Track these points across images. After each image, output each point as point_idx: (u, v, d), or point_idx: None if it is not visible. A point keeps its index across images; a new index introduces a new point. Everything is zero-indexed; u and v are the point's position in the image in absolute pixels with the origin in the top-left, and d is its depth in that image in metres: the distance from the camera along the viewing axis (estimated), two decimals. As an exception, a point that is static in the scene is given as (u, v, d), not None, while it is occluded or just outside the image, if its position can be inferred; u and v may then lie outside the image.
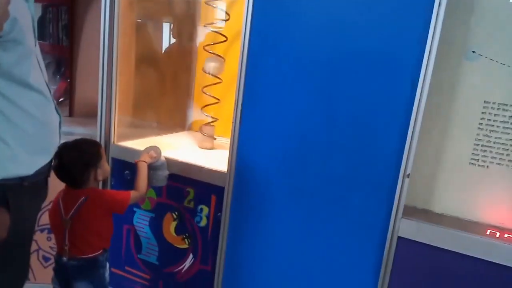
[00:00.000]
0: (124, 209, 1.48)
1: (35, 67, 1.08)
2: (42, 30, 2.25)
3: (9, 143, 1.04)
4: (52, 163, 1.24)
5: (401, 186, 1.36)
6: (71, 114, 2.35)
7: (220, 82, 1.96)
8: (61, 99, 2.39)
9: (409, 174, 1.35)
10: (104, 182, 1.86)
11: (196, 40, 2.25)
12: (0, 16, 0.55)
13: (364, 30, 1.37)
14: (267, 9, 1.48)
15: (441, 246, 1.33)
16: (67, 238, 1.43)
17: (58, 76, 2.37)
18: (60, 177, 1.38)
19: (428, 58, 1.28)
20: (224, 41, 1.93)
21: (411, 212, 1.42)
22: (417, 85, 1.31)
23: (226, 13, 1.95)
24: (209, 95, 1.97)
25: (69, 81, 2.34)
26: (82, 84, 2.37)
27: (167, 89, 2.24)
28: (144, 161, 1.57)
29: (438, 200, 1.48)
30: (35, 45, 1.11)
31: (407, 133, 1.34)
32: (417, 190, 1.47)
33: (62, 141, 1.31)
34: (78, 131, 1.99)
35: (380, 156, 1.40)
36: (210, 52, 1.95)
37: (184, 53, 2.26)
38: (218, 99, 1.98)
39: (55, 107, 1.21)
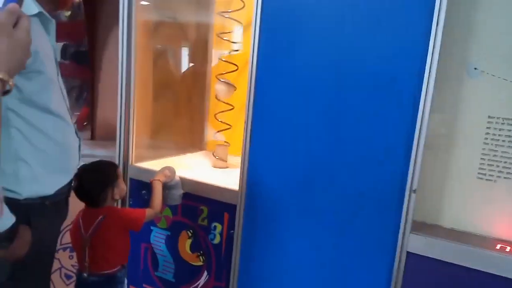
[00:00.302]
0: (140, 226, 1.55)
1: (56, 94, 1.18)
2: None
3: (31, 165, 1.13)
4: (72, 184, 1.32)
5: (408, 201, 1.38)
6: (92, 137, 2.47)
7: (232, 109, 2.04)
8: (85, 123, 2.51)
9: (415, 189, 1.37)
10: (123, 202, 1.94)
11: (210, 64, 2.34)
12: (24, 57, 0.62)
13: (366, 51, 1.42)
14: (274, 34, 1.55)
15: (451, 261, 1.33)
16: (87, 255, 1.50)
17: (81, 101, 2.50)
18: (80, 197, 1.46)
19: (428, 76, 1.32)
20: (235, 70, 2.01)
21: (420, 227, 1.43)
22: (419, 103, 1.34)
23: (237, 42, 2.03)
24: (221, 122, 2.04)
25: (90, 106, 2.47)
26: (103, 109, 2.49)
27: (182, 111, 2.33)
28: (159, 180, 1.64)
29: (447, 215, 1.48)
30: (58, 75, 1.21)
31: (411, 150, 1.36)
32: (425, 206, 1.48)
33: (82, 163, 1.40)
34: (99, 153, 2.09)
35: (387, 173, 1.42)
36: (221, 81, 2.04)
37: (198, 77, 2.35)
38: (230, 125, 2.05)
39: (75, 131, 1.30)
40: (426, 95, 1.33)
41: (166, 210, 1.88)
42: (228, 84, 2.03)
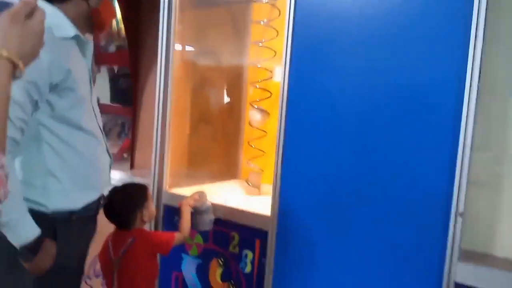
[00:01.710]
0: (169, 250, 1.51)
1: (88, 112, 1.22)
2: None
3: (60, 179, 1.15)
4: (101, 202, 1.33)
5: (454, 225, 1.26)
6: (132, 167, 2.53)
7: (265, 135, 2.02)
8: (125, 154, 2.59)
9: (462, 212, 1.25)
10: (156, 228, 1.94)
11: (245, 94, 2.37)
12: (37, 45, 0.64)
13: (398, 71, 1.37)
14: (304, 58, 1.54)
15: (504, 293, 1.18)
16: (116, 279, 1.48)
17: (123, 136, 2.60)
18: (109, 218, 1.47)
19: (469, 92, 1.23)
20: (269, 97, 2.01)
21: (469, 256, 1.29)
22: (460, 117, 1.25)
23: (270, 71, 2.05)
24: (255, 148, 2.03)
25: (131, 138, 2.55)
26: (143, 141, 2.57)
27: (218, 141, 2.34)
28: (188, 204, 1.62)
29: (500, 243, 1.33)
30: (91, 94, 1.26)
31: (455, 169, 1.26)
32: (474, 233, 1.35)
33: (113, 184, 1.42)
34: (137, 180, 2.12)
35: (429, 195, 1.32)
36: (255, 107, 2.04)
37: (233, 107, 2.38)
38: (263, 151, 2.02)
39: (107, 149, 1.33)
40: (468, 110, 1.24)
41: (198, 237, 1.85)
42: (261, 110, 2.03)
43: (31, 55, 0.63)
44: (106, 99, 2.52)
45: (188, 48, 2.10)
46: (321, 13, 1.50)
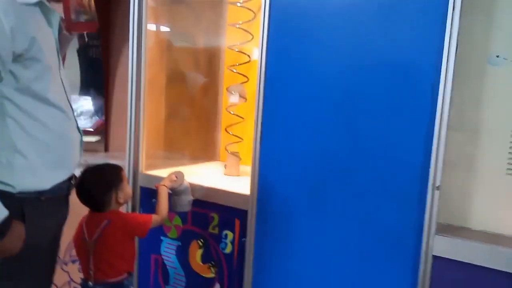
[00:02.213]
0: (146, 232, 1.48)
1: (55, 84, 1.15)
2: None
3: (27, 156, 1.09)
4: (73, 182, 1.27)
5: (432, 199, 1.27)
6: (106, 149, 2.46)
7: (245, 101, 1.98)
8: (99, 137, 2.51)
9: (438, 186, 1.27)
10: (133, 211, 1.89)
11: (221, 78, 2.32)
12: None
13: (379, 42, 1.36)
14: (281, 31, 1.51)
15: (480, 264, 1.20)
16: (92, 262, 1.44)
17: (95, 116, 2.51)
18: (82, 199, 1.41)
19: (447, 65, 1.24)
20: (246, 82, 1.97)
21: (446, 229, 1.31)
22: (437, 93, 1.25)
23: (247, 55, 2.00)
24: (234, 114, 1.98)
25: (104, 119, 2.47)
26: (116, 122, 2.49)
27: (195, 122, 2.29)
28: (164, 185, 1.58)
29: (475, 216, 1.36)
30: (59, 67, 1.19)
31: (431, 144, 1.27)
32: (451, 207, 1.37)
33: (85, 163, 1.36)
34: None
35: (406, 169, 1.33)
36: (235, 72, 1.99)
37: (210, 90, 2.33)
38: (242, 117, 1.98)
39: (77, 125, 1.26)
40: (445, 84, 1.25)
41: (176, 219, 1.81)
42: (239, 86, 1.98)
43: None
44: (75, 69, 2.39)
45: (161, 26, 2.02)
46: (299, -15, 1.46)
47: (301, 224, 1.51)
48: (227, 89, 2.05)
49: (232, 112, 2.00)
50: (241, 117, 1.99)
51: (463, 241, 1.25)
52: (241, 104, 2.00)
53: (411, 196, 1.31)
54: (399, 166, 1.33)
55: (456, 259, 1.25)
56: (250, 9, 1.91)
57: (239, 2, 1.96)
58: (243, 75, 1.97)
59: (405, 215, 1.32)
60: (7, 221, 1.02)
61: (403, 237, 1.32)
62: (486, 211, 1.34)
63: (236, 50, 2.00)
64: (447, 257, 1.26)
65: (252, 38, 1.89)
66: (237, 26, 1.97)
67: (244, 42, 1.95)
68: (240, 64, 1.98)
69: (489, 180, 1.33)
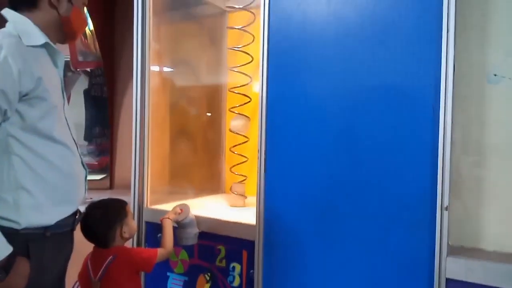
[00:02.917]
0: (151, 267, 1.45)
1: (60, 122, 1.17)
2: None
3: (32, 193, 1.09)
4: (78, 217, 1.27)
5: (441, 220, 1.25)
6: (111, 186, 2.46)
7: (247, 141, 2.00)
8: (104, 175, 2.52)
9: (447, 206, 1.25)
10: (138, 246, 1.87)
11: (224, 103, 2.35)
12: None
13: (376, 68, 1.37)
14: (280, 66, 1.54)
15: (495, 285, 1.16)
16: (97, 302, 1.41)
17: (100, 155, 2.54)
18: (87, 235, 1.40)
19: (445, 86, 1.25)
20: (249, 102, 2.00)
21: (458, 251, 1.28)
22: (439, 114, 1.26)
23: (249, 76, 2.04)
24: (238, 154, 2.00)
25: (109, 157, 2.49)
26: (121, 159, 2.51)
27: (199, 155, 2.31)
28: (168, 218, 1.57)
29: (487, 237, 1.32)
30: (64, 105, 1.22)
31: (437, 164, 1.26)
32: (462, 229, 1.34)
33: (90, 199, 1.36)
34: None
35: (413, 191, 1.31)
36: (236, 113, 2.03)
37: (213, 119, 2.36)
38: (246, 157, 2.00)
39: (82, 161, 1.27)
40: (445, 105, 1.25)
41: (183, 254, 1.79)
42: (242, 116, 2.01)
43: None
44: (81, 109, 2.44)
45: (164, 61, 2.08)
46: (295, 15, 1.50)
47: (309, 252, 1.48)
48: (229, 129, 2.07)
49: (235, 152, 2.02)
50: (245, 157, 2.02)
51: (476, 262, 1.21)
52: (245, 144, 2.02)
53: (420, 218, 1.29)
54: (406, 188, 1.32)
55: (470, 281, 1.21)
56: (248, 53, 1.96)
57: (238, 27, 2.02)
58: (244, 115, 2.01)
59: (415, 237, 1.29)
60: (11, 258, 1.01)
61: (415, 260, 1.29)
62: (498, 230, 1.31)
63: (236, 92, 2.04)
64: (460, 279, 1.22)
65: (251, 80, 1.95)
66: (237, 49, 2.02)
67: (244, 64, 1.99)
68: (241, 105, 2.01)
69: (499, 199, 1.31)
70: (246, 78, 1.99)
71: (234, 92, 2.07)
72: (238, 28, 2.02)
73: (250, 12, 1.96)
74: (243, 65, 1.99)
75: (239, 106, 2.02)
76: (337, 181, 1.44)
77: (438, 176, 1.25)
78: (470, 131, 1.35)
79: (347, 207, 1.41)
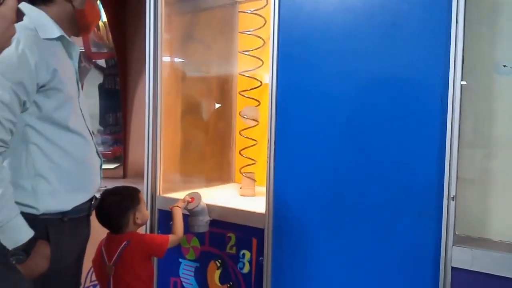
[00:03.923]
0: (164, 252, 1.50)
1: (75, 113, 1.21)
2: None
3: (49, 180, 1.14)
4: (93, 203, 1.31)
5: (447, 210, 1.27)
6: (124, 176, 2.52)
7: (257, 124, 2.02)
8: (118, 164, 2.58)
9: (454, 196, 1.26)
10: (151, 232, 1.92)
11: (234, 104, 2.38)
12: (7, 31, 0.62)
13: (385, 60, 1.39)
14: (292, 52, 1.55)
15: (500, 274, 1.18)
16: (112, 286, 1.46)
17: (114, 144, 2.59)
18: (101, 221, 1.45)
19: (454, 78, 1.25)
20: (258, 105, 2.03)
21: (464, 241, 1.30)
22: (447, 105, 1.27)
23: (259, 80, 2.06)
24: (247, 138, 2.02)
25: (123, 146, 2.54)
26: (134, 150, 2.56)
27: (210, 146, 2.35)
28: (178, 206, 1.62)
29: (493, 227, 1.34)
30: (78, 96, 1.26)
31: (445, 154, 1.27)
32: (468, 219, 1.36)
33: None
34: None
35: (421, 180, 1.33)
36: (246, 97, 2.05)
37: (224, 115, 2.39)
38: (256, 140, 2.02)
39: (97, 151, 1.32)
40: (453, 96, 1.26)
41: (194, 241, 1.83)
42: (253, 107, 2.03)
43: (1, 43, 0.62)
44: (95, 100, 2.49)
45: (176, 51, 2.10)
46: (305, 6, 1.52)
47: (317, 240, 1.51)
48: (239, 113, 2.10)
49: (245, 136, 2.04)
50: (254, 140, 2.03)
51: (482, 252, 1.23)
52: (254, 127, 2.05)
53: (427, 208, 1.31)
54: (414, 178, 1.34)
55: (475, 270, 1.23)
56: (259, 37, 1.98)
57: (249, 31, 2.04)
58: (255, 99, 2.03)
59: (422, 227, 1.31)
60: (32, 241, 1.06)
61: (421, 249, 1.31)
62: (504, 221, 1.32)
63: (247, 75, 2.07)
64: (466, 268, 1.24)
65: (262, 64, 1.96)
66: (246, 53, 2.04)
67: (255, 68, 2.01)
68: (252, 89, 2.04)
69: (506, 190, 1.32)
70: (257, 62, 2.01)
71: (244, 76, 2.08)
72: (249, 12, 2.02)
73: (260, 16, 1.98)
74: (255, 49, 2.00)
75: (250, 89, 2.04)
76: (345, 171, 1.46)
77: (445, 166, 1.27)
78: (478, 122, 1.36)
79: (355, 197, 1.44)
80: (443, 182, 1.27)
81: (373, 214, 1.40)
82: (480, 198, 1.36)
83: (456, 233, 1.28)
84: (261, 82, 2.02)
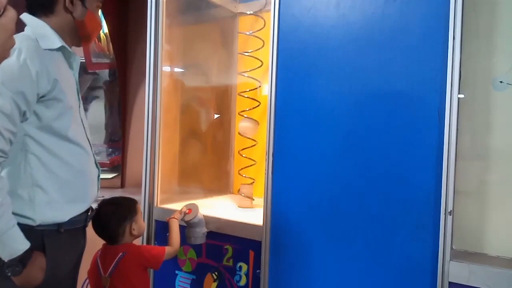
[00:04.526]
0: (159, 264, 1.49)
1: (75, 123, 1.21)
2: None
3: (47, 190, 1.14)
4: (90, 214, 1.31)
5: (445, 224, 1.26)
6: (122, 185, 2.51)
7: (255, 144, 2.04)
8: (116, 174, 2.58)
9: (451, 211, 1.26)
10: (148, 244, 1.91)
11: (234, 107, 2.39)
12: (6, 43, 0.63)
13: (383, 73, 1.40)
14: (288, 68, 1.57)
15: (499, 290, 1.18)
16: (107, 297, 1.45)
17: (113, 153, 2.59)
18: (98, 231, 1.45)
19: (451, 92, 1.26)
20: (257, 106, 2.04)
21: (462, 256, 1.29)
22: (444, 119, 1.28)
23: (258, 81, 2.08)
24: (246, 157, 2.03)
25: (121, 156, 2.54)
26: (132, 159, 2.56)
27: (208, 156, 2.35)
28: (174, 218, 1.62)
29: (490, 242, 1.33)
30: (79, 106, 1.26)
31: (441, 168, 1.28)
32: (466, 234, 1.35)
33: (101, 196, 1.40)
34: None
35: (418, 195, 1.33)
36: (245, 117, 2.06)
37: (223, 121, 2.39)
38: (255, 161, 2.03)
39: (95, 161, 1.32)
40: (450, 111, 1.27)
41: (191, 252, 1.82)
42: (251, 120, 2.04)
43: (1, 53, 0.62)
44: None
45: (176, 63, 2.12)
46: (305, 20, 1.53)
47: (315, 253, 1.50)
48: (239, 132, 2.11)
49: (244, 155, 2.06)
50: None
51: (479, 267, 1.22)
52: (253, 147, 2.05)
53: (424, 221, 1.31)
54: (411, 191, 1.34)
55: (472, 285, 1.22)
56: (259, 38, 2.00)
57: (249, 32, 2.05)
58: (254, 99, 2.04)
59: (420, 240, 1.31)
60: (28, 252, 1.05)
61: (419, 263, 1.31)
62: (501, 236, 1.32)
63: (246, 75, 2.08)
64: (463, 283, 1.23)
65: (262, 64, 1.97)
66: (246, 54, 2.06)
67: (254, 68, 2.02)
68: (251, 109, 2.06)
69: (504, 204, 1.32)
70: (255, 82, 2.03)
71: (243, 96, 2.10)
72: (248, 34, 2.05)
73: (260, 17, 2.00)
74: (252, 69, 2.03)
75: (248, 110, 2.05)
76: (343, 184, 1.46)
77: (442, 180, 1.27)
78: (475, 136, 1.37)
79: (353, 210, 1.44)
80: (440, 196, 1.27)
81: (370, 227, 1.40)
82: (477, 212, 1.36)
83: (453, 247, 1.27)
84: (259, 102, 2.04)
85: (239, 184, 2.14)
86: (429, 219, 1.30)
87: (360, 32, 1.43)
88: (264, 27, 1.96)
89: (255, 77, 2.05)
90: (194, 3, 2.16)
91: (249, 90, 2.06)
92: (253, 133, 2.05)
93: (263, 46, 1.96)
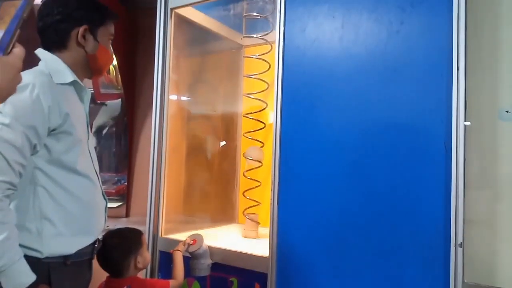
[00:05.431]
0: (164, 297, 1.46)
1: (84, 156, 1.22)
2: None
3: (54, 223, 1.14)
4: (96, 246, 1.30)
5: (455, 257, 1.24)
6: (127, 215, 2.50)
7: (260, 166, 2.03)
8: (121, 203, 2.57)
9: (461, 243, 1.24)
10: (152, 275, 1.88)
11: (240, 130, 2.41)
12: (14, 80, 0.64)
13: (388, 104, 1.40)
14: (295, 96, 1.59)
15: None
16: (110, 331, 1.42)
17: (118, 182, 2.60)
18: (102, 264, 1.42)
19: (457, 123, 1.27)
20: (263, 128, 2.06)
21: (474, 289, 1.27)
22: (451, 149, 1.27)
23: (265, 102, 2.09)
24: (251, 179, 2.03)
25: (126, 185, 2.54)
26: (138, 188, 2.56)
27: (214, 186, 2.34)
28: (178, 250, 1.60)
29: (503, 275, 1.30)
30: (88, 138, 1.28)
31: (450, 200, 1.27)
32: (477, 266, 1.32)
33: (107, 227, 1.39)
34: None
35: (426, 227, 1.31)
36: (250, 138, 2.07)
37: (228, 153, 2.40)
38: (260, 182, 2.02)
39: (102, 192, 1.32)
40: (457, 142, 1.27)
41: (195, 284, 1.79)
42: (258, 147, 2.05)
43: (8, 90, 0.63)
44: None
45: (182, 93, 2.15)
46: (308, 52, 1.56)
47: (322, 286, 1.47)
48: (243, 154, 2.11)
49: (249, 177, 2.05)
50: (258, 181, 2.04)
51: (492, 302, 1.20)
52: (258, 168, 2.06)
53: (434, 254, 1.28)
54: (420, 223, 1.32)
55: (487, 321, 1.19)
56: (264, 80, 2.03)
57: (255, 55, 2.08)
58: (259, 141, 2.05)
59: (430, 274, 1.28)
60: (34, 285, 1.04)
61: (429, 298, 1.28)
62: (513, 269, 1.29)
63: (251, 117, 2.10)
64: (477, 319, 1.20)
65: (266, 106, 1.99)
66: (253, 77, 2.09)
67: (259, 110, 2.03)
68: (256, 131, 2.07)
69: (513, 234, 1.30)
70: (260, 104, 2.05)
71: (249, 118, 2.12)
72: (255, 57, 2.09)
73: (265, 40, 2.04)
74: (259, 92, 2.05)
75: (253, 131, 2.06)
76: (350, 216, 1.45)
77: (451, 212, 1.25)
78: (483, 167, 1.36)
79: (360, 242, 1.42)
80: (450, 228, 1.25)
81: (379, 260, 1.37)
82: (488, 243, 1.33)
83: (465, 280, 1.25)
84: (264, 124, 2.05)
85: (244, 212, 2.12)
86: (439, 252, 1.27)
87: (364, 65, 1.45)
88: (270, 50, 1.99)
89: (261, 98, 2.06)
90: (201, 36, 2.21)
91: (255, 112, 2.08)
92: (259, 159, 2.06)
93: (269, 68, 1.98)
